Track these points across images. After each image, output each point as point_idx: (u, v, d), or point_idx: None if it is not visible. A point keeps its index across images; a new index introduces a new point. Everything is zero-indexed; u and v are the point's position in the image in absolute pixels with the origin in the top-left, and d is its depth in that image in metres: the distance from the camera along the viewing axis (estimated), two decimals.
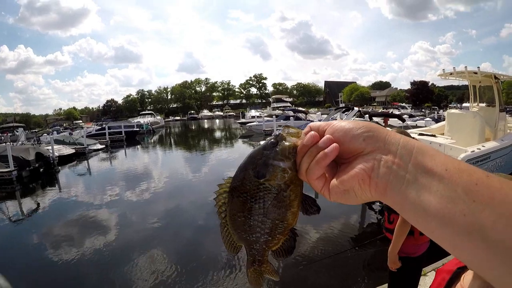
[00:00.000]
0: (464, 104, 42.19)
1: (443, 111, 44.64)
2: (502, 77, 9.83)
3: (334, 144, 0.50)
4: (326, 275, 5.79)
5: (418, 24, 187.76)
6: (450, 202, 0.41)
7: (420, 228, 0.45)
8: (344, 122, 0.53)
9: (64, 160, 19.08)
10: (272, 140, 0.57)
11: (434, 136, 8.78)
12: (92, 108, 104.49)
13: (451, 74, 9.58)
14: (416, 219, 0.45)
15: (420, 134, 9.03)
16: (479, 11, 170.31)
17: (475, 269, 0.43)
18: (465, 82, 10.75)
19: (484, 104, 10.05)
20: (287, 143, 0.55)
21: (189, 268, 6.49)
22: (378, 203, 8.64)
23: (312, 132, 0.54)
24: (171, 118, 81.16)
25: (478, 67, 9.04)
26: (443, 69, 9.65)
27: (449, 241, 0.42)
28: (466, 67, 9.14)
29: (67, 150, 20.37)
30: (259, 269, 0.65)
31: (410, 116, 25.17)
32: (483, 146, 8.01)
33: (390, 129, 0.59)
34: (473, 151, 7.58)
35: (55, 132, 30.67)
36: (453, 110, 10.89)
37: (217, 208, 0.61)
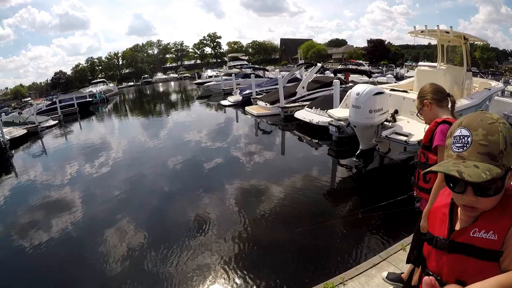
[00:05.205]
0: (420, 63, 43.66)
1: (400, 68, 46.39)
2: (471, 38, 10.02)
3: None
4: (338, 237, 5.86)
5: None
6: None
7: None
8: None
9: (17, 142, 18.04)
10: None
11: (406, 91, 8.85)
12: (41, 82, 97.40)
13: (422, 32, 9.65)
14: None
15: (392, 90, 9.12)
16: None
17: None
18: (423, 41, 10.95)
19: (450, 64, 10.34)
20: None
21: (159, 235, 6.52)
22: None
23: None
24: (124, 84, 77.81)
25: (451, 26, 9.13)
26: (414, 27, 9.70)
27: None
28: (438, 26, 9.20)
29: (18, 131, 19.19)
30: None
31: (370, 72, 25.61)
32: None
33: None
34: None
35: (3, 113, 29.07)
36: (423, 68, 11.09)
37: None
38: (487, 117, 1.15)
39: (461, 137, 1.15)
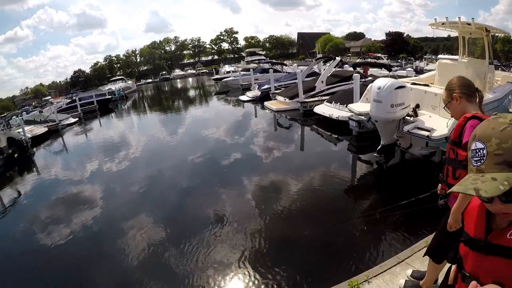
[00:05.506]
0: (440, 56, 42.47)
1: (419, 61, 45.35)
2: (493, 30, 9.78)
3: None
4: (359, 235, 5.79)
5: None
6: None
7: None
8: None
9: (38, 140, 18.46)
10: None
11: (427, 85, 8.69)
12: (60, 81, 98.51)
13: (443, 24, 9.44)
14: None
15: (413, 83, 8.96)
16: None
17: None
18: (443, 34, 10.68)
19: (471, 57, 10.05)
20: None
21: (179, 230, 6.60)
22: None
23: None
24: (142, 81, 78.55)
25: (473, 18, 8.90)
26: (435, 18, 9.50)
27: None
28: (459, 17, 8.97)
29: (39, 130, 19.63)
30: None
31: (390, 66, 25.17)
32: None
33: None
34: None
35: (24, 112, 29.58)
36: (444, 61, 10.88)
37: None
38: (499, 123, 1.10)
39: (477, 151, 1.13)
